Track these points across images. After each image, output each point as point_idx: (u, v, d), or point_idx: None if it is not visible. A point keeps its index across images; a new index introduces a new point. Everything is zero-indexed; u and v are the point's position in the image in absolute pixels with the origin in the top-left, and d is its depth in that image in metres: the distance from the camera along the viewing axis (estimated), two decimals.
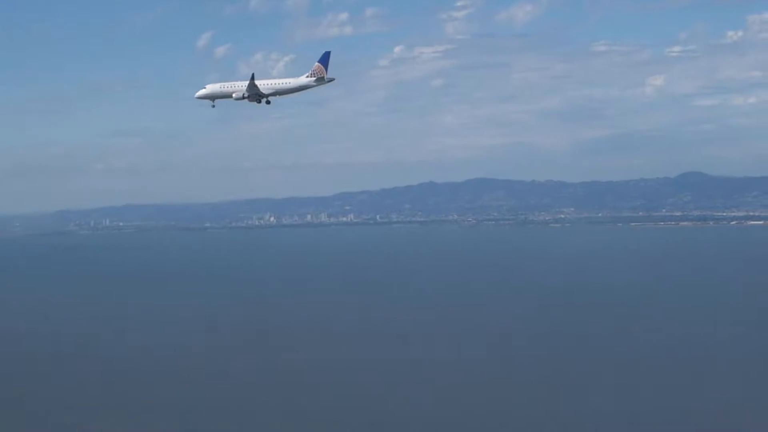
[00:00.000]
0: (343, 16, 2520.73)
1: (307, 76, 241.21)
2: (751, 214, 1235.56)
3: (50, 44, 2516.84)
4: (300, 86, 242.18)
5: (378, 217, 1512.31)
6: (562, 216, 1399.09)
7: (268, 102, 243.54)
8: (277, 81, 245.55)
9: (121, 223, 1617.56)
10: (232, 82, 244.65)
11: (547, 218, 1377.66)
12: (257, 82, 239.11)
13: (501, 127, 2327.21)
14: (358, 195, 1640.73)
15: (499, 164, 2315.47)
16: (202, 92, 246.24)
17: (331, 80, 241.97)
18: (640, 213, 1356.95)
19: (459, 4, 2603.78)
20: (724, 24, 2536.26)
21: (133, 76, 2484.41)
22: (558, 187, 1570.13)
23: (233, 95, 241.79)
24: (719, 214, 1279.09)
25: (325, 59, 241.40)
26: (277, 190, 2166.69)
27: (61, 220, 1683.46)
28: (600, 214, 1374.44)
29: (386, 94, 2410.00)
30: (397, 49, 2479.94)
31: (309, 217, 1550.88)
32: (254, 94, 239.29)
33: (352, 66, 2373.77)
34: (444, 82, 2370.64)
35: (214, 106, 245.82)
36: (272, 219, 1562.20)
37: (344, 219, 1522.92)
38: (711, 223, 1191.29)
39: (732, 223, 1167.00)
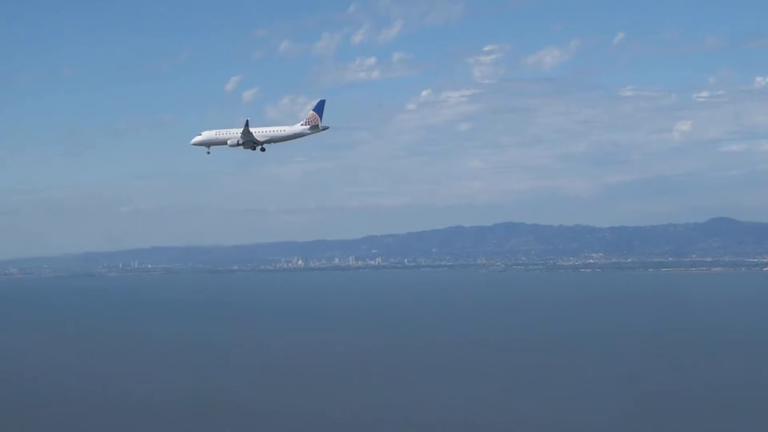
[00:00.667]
0: (371, 60, 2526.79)
1: (302, 124, 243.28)
2: None
3: (77, 85, 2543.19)
4: (294, 134, 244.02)
5: (406, 260, 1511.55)
6: (591, 261, 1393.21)
7: (263, 149, 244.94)
8: (271, 129, 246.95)
9: (149, 265, 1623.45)
10: (227, 130, 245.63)
11: (576, 263, 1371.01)
12: (252, 130, 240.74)
13: (527, 171, 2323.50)
14: (384, 238, 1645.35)
15: (526, 208, 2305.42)
16: (197, 139, 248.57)
17: (325, 128, 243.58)
18: (670, 258, 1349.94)
19: (486, 48, 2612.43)
20: (752, 70, 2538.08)
21: (159, 119, 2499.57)
22: (586, 232, 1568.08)
23: (228, 142, 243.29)
24: (750, 260, 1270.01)
25: (319, 108, 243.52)
26: (303, 234, 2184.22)
27: (89, 262, 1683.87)
28: (629, 260, 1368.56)
29: (413, 138, 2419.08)
30: (424, 93, 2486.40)
31: (336, 260, 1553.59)
32: (249, 141, 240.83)
33: (379, 110, 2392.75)
34: (470, 126, 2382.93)
35: (209, 153, 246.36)
36: (300, 262, 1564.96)
37: (372, 262, 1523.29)
38: (743, 269, 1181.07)
39: (765, 269, 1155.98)
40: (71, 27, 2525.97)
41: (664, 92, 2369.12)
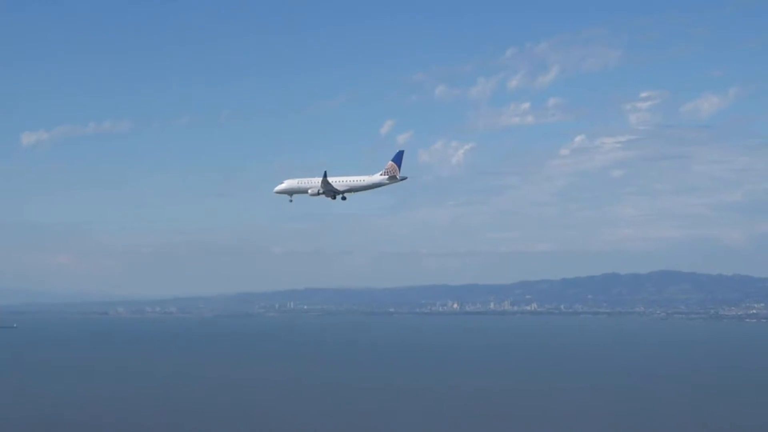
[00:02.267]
0: (526, 105, 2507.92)
1: (381, 174, 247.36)
2: None
3: (233, 126, 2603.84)
4: (374, 184, 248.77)
5: (562, 306, 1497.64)
6: (754, 311, 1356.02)
7: (343, 198, 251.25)
8: (350, 179, 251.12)
9: (305, 306, 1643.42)
10: (309, 179, 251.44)
11: (738, 313, 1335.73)
12: (331, 180, 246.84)
13: (680, 219, 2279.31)
14: (538, 284, 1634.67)
15: (680, 256, 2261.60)
16: (280, 187, 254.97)
17: (403, 179, 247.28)
18: None
19: (643, 94, 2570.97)
20: None
21: (313, 162, 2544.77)
22: (746, 282, 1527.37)
23: (309, 191, 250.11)
24: None
25: (398, 158, 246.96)
26: (455, 277, 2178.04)
27: (244, 302, 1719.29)
28: None
29: (564, 183, 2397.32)
30: (578, 138, 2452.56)
31: (491, 305, 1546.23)
32: (329, 191, 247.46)
33: (532, 155, 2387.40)
34: (624, 172, 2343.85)
35: (291, 201, 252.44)
36: (455, 306, 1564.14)
37: (527, 308, 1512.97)
38: None
39: None
40: (230, 67, 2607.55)
41: None
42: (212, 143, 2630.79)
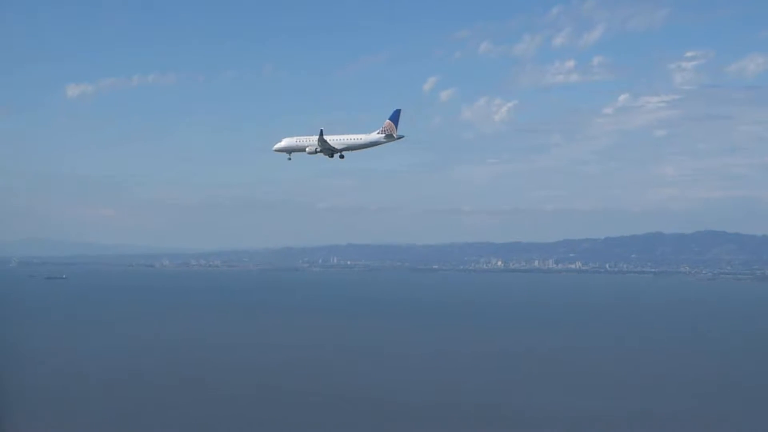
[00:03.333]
0: (570, 63, 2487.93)
1: (378, 133, 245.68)
2: None
3: (276, 82, 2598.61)
4: (371, 142, 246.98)
5: (607, 265, 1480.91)
6: None
7: (341, 156, 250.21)
8: (347, 137, 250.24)
9: (348, 262, 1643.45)
10: (306, 137, 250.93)
11: None
12: (327, 138, 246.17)
13: (723, 180, 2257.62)
14: (581, 243, 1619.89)
15: (724, 217, 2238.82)
16: (279, 145, 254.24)
17: (400, 137, 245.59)
18: None
19: (689, 54, 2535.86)
20: None
21: (355, 117, 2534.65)
22: None
23: (306, 149, 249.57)
24: None
25: (395, 117, 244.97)
26: (498, 235, 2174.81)
27: (288, 257, 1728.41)
28: None
29: (607, 143, 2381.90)
30: (621, 97, 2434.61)
31: (536, 262, 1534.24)
32: (326, 149, 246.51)
33: (575, 113, 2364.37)
34: (667, 132, 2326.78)
35: (290, 159, 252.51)
36: (499, 263, 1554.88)
37: (572, 266, 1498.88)
38: None
39: None
40: (273, 23, 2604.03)
41: None
42: (255, 99, 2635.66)
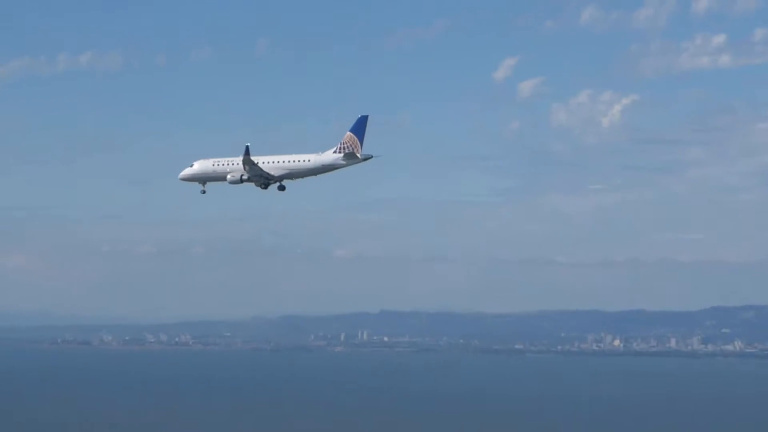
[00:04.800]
0: (719, 39, 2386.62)
1: (335, 151, 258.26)
2: None
3: (272, 68, 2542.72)
4: (322, 166, 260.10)
5: None
6: None
7: (281, 187, 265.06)
8: (287, 159, 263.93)
9: (385, 338, 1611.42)
10: (228, 159, 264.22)
11: None
12: (258, 160, 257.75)
13: None
14: (740, 311, 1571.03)
15: None
16: (187, 172, 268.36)
17: (367, 158, 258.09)
18: None
19: None
20: None
21: (395, 120, 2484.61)
22: None
23: (228, 177, 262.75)
24: None
25: (359, 127, 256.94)
26: (610, 299, 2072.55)
27: (292, 330, 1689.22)
28: None
29: None
30: None
31: (673, 342, 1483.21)
32: (257, 176, 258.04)
33: (726, 115, 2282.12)
34: None
35: (204, 191, 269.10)
36: (616, 342, 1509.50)
37: (729, 348, 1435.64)
38: None
39: None
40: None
41: None
42: (243, 87, 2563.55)
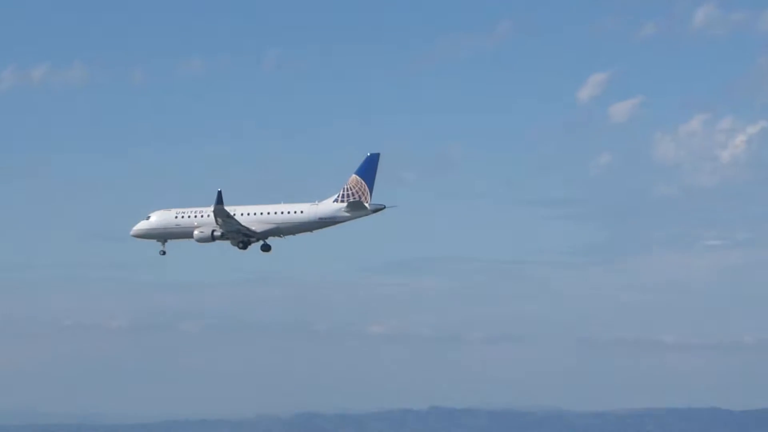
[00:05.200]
0: None
1: (335, 200, 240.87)
2: None
3: (280, 80, 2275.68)
4: (319, 219, 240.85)
5: None
6: None
7: (265, 247, 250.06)
8: (274, 209, 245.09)
9: None
10: (195, 210, 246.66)
11: None
12: (234, 211, 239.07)
13: None
14: None
15: None
16: (142, 227, 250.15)
17: (378, 209, 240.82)
18: None
19: None
20: None
21: (435, 149, 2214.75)
22: None
23: (195, 233, 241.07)
24: None
25: (368, 168, 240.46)
26: (732, 394, 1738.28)
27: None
28: None
29: None
30: None
31: None
32: (233, 232, 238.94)
33: None
34: None
35: (164, 252, 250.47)
36: None
37: None
38: None
39: None
40: None
41: None
42: (250, 104, 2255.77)
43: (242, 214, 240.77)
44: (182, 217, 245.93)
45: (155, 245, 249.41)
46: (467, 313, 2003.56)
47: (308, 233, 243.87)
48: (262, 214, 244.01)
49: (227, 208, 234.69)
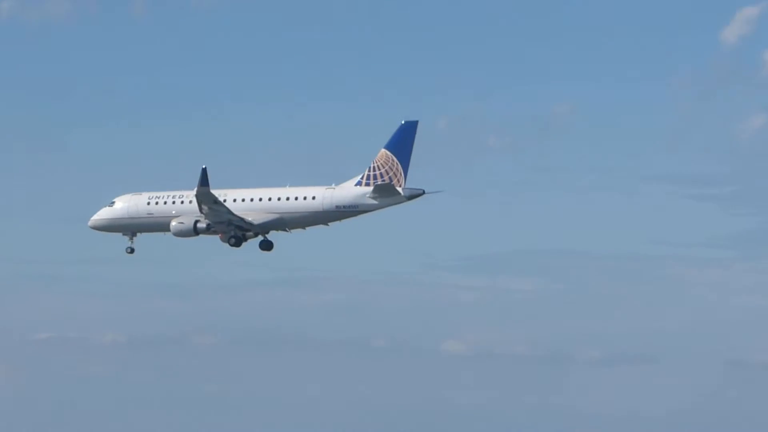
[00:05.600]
0: None
1: (358, 183, 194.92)
2: None
3: None
4: (337, 208, 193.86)
5: None
6: None
7: (265, 245, 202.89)
8: (275, 194, 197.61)
9: None
10: (175, 193, 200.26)
11: None
12: (223, 195, 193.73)
13: None
14: None
15: None
16: (103, 215, 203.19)
17: (415, 195, 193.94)
18: None
19: None
20: None
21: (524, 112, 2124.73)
22: None
23: (171, 225, 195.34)
24: None
25: (402, 141, 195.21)
26: None
27: None
28: None
29: None
30: None
31: None
32: (221, 224, 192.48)
33: None
34: None
35: (132, 250, 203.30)
36: None
37: None
38: None
39: None
40: None
41: None
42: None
43: (235, 200, 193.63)
44: (156, 203, 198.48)
45: (121, 239, 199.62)
46: (574, 326, 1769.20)
47: (323, 226, 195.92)
48: (261, 200, 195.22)
49: (215, 192, 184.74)
